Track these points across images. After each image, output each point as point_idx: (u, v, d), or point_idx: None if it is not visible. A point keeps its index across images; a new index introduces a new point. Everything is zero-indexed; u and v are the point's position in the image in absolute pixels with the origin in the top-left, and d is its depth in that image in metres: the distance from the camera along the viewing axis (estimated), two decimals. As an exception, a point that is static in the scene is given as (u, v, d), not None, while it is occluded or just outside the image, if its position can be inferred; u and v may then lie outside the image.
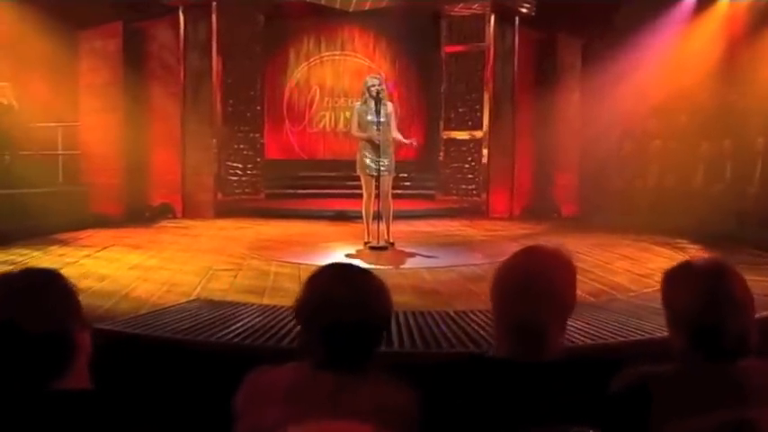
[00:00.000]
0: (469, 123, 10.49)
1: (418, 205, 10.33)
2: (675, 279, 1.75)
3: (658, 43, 9.51)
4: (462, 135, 10.57)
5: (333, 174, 10.89)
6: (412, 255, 6.72)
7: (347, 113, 10.70)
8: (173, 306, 4.41)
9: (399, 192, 10.21)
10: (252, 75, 10.33)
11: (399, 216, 8.61)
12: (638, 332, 3.70)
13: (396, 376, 1.62)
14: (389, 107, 6.93)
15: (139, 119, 9.62)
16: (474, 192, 10.51)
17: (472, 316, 4.12)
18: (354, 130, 6.93)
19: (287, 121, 12.04)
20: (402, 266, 6.19)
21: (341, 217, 9.16)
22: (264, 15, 10.45)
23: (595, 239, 7.66)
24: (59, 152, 9.72)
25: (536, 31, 10.56)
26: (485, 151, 10.32)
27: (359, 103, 7.03)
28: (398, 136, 7.01)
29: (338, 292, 1.60)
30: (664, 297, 1.76)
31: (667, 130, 9.93)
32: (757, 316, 1.74)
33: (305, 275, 5.53)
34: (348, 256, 6.63)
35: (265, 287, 5.18)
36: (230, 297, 4.77)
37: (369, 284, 1.63)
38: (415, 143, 7.37)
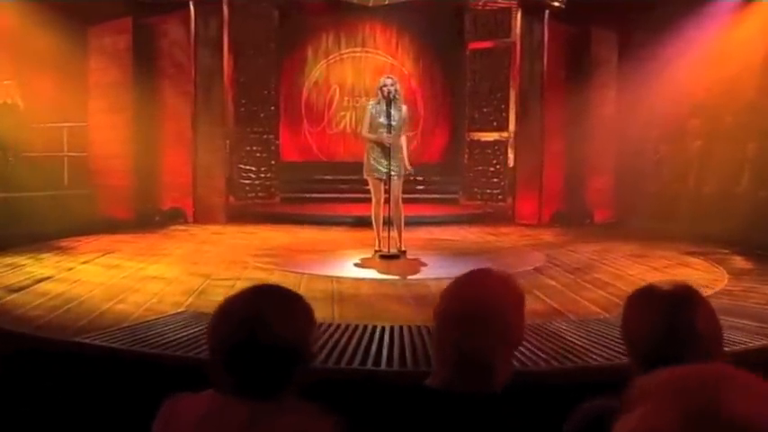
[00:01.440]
0: (494, 124, 10.36)
1: (440, 211, 10.25)
2: (634, 305, 1.67)
3: (701, 37, 9.26)
4: (487, 136, 10.45)
5: (353, 177, 10.79)
6: (423, 264, 6.67)
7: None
8: (158, 319, 4.42)
9: (423, 196, 10.18)
10: (266, 73, 10.32)
11: (419, 222, 8.54)
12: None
13: (321, 402, 1.57)
14: (404, 110, 6.87)
15: (149, 119, 9.70)
16: (499, 196, 10.38)
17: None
18: (365, 131, 6.89)
19: (305, 122, 12.03)
20: (410, 276, 6.14)
21: (359, 223, 9.08)
22: (279, 11, 10.42)
23: (628, 249, 7.51)
24: (65, 153, 9.82)
25: (567, 25, 10.36)
26: (510, 153, 10.20)
27: (372, 102, 7.00)
28: (404, 144, 6.91)
29: (241, 314, 1.56)
30: (622, 324, 1.68)
31: (710, 130, 9.69)
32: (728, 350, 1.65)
33: (307, 286, 5.47)
34: (356, 265, 6.60)
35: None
36: (222, 309, 4.74)
37: (278, 306, 1.59)
38: (412, 173, 7.16)
